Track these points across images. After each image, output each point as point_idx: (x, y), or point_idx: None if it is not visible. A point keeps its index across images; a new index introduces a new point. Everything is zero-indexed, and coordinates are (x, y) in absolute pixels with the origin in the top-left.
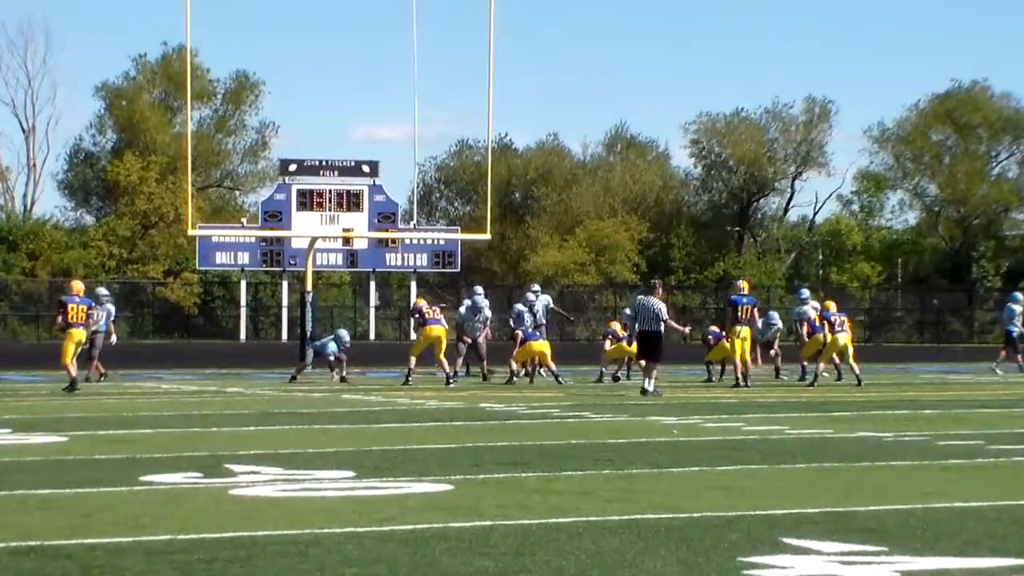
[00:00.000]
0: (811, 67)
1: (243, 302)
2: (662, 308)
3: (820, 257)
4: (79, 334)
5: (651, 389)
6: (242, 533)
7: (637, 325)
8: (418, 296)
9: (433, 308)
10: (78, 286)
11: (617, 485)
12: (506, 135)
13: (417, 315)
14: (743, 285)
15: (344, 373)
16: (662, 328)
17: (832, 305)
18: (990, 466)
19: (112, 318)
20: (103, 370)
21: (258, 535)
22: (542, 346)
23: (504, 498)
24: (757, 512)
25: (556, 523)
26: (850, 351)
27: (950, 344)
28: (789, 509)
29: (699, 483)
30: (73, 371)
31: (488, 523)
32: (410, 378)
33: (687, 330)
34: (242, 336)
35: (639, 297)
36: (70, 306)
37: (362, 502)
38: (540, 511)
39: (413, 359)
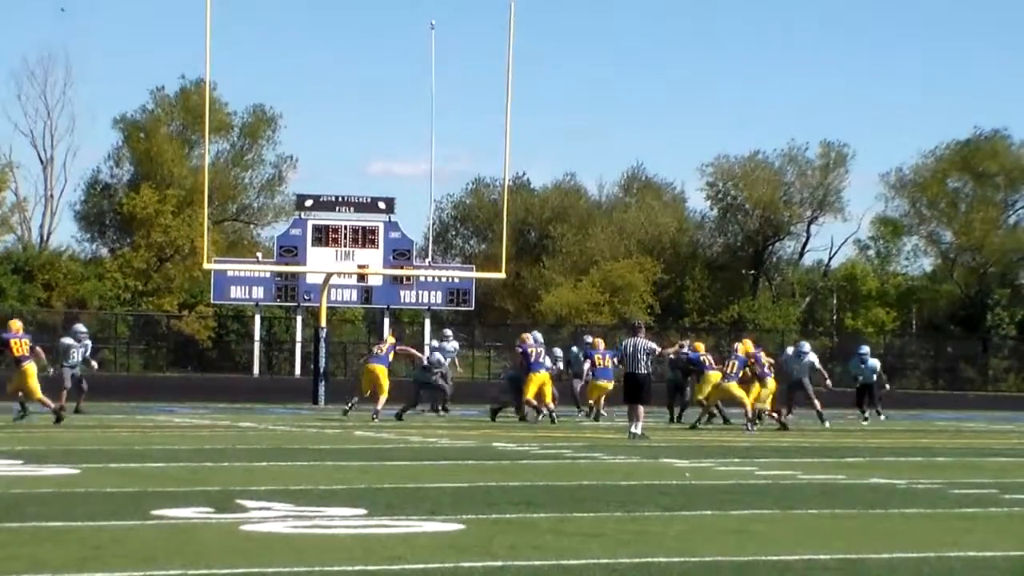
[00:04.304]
0: (829, 111)
1: (257, 336)
2: (653, 346)
3: (835, 302)
4: (31, 366)
5: (639, 432)
6: (253, 569)
7: (623, 367)
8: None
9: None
10: (16, 325)
11: (629, 527)
12: (523, 174)
13: (522, 356)
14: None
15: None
16: (649, 370)
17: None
18: (1003, 515)
19: (87, 353)
20: (62, 403)
21: (268, 571)
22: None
23: (516, 538)
24: (769, 557)
25: (567, 564)
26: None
27: (964, 391)
28: (801, 555)
29: (711, 527)
30: (50, 402)
31: (499, 563)
32: (537, 416)
33: (677, 346)
34: (255, 370)
35: (625, 340)
36: (12, 342)
37: (373, 540)
38: (552, 552)
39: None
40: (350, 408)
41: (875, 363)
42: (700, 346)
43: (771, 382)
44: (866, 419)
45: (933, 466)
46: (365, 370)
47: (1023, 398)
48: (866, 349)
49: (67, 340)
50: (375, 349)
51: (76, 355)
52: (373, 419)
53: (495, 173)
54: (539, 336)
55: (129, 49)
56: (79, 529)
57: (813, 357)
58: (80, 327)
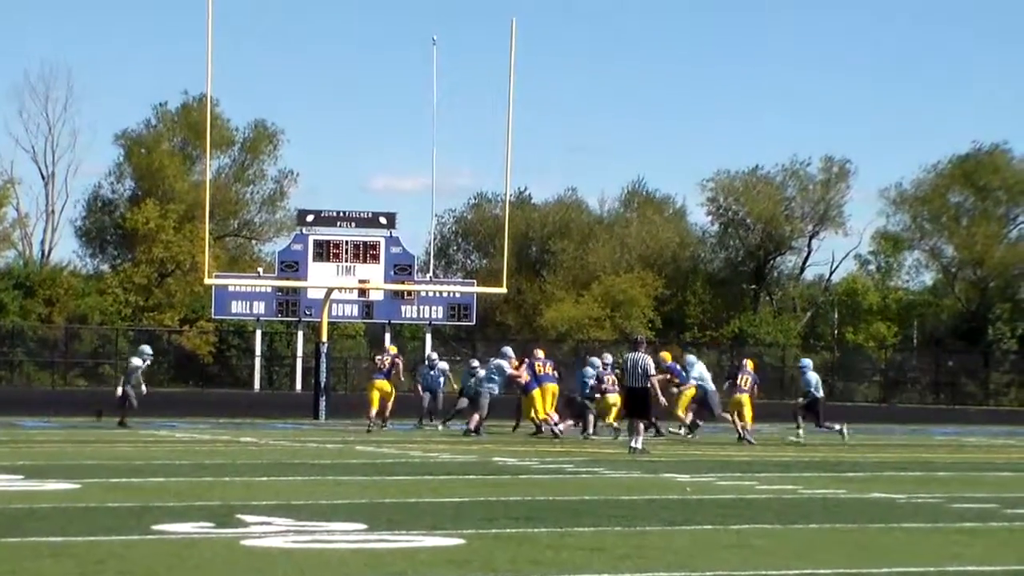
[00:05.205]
0: (830, 126)
1: (258, 351)
2: (650, 363)
3: (836, 317)
4: None
5: (639, 447)
6: None
7: (624, 382)
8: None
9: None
10: None
11: (629, 542)
12: (524, 189)
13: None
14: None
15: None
16: (649, 385)
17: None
18: (1004, 530)
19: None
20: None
21: None
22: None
23: (516, 553)
24: (770, 571)
25: None
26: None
27: (965, 406)
28: (802, 569)
29: (712, 541)
30: None
31: None
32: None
33: (664, 401)
34: (256, 386)
35: (627, 355)
36: None
37: (373, 555)
38: (552, 566)
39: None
40: (371, 427)
41: (812, 377)
42: (668, 355)
43: (614, 397)
44: (842, 433)
45: (934, 480)
46: (369, 385)
47: None
48: (805, 362)
49: (136, 360)
50: (378, 362)
51: (138, 374)
52: (369, 430)
53: (496, 188)
54: (510, 351)
55: (131, 65)
56: (80, 544)
57: (698, 370)
58: (147, 348)
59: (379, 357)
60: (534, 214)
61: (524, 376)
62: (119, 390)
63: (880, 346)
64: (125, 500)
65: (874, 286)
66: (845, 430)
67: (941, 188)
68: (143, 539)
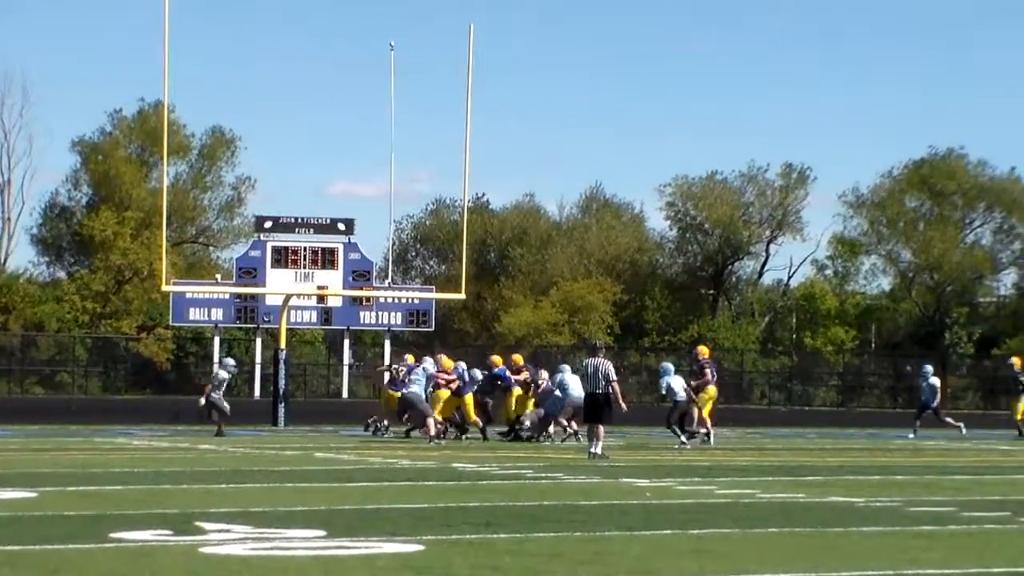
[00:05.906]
0: (788, 131)
1: (216, 358)
2: (610, 369)
3: (794, 321)
4: None
5: (598, 452)
6: None
7: (586, 387)
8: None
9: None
10: None
11: (589, 547)
12: (483, 195)
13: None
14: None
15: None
16: (610, 390)
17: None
18: (962, 533)
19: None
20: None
21: None
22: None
23: (476, 559)
24: None
25: None
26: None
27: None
28: (761, 574)
29: (671, 547)
30: None
31: None
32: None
33: (624, 407)
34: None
35: (588, 360)
36: None
37: (332, 562)
38: (512, 573)
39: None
40: (379, 431)
41: (666, 381)
42: (499, 360)
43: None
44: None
45: (891, 484)
46: (388, 396)
47: (981, 416)
48: (665, 366)
49: (223, 373)
50: (393, 372)
51: (223, 385)
52: (377, 432)
53: (455, 193)
54: (431, 361)
55: (87, 71)
56: (36, 553)
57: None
58: (231, 360)
59: (395, 367)
60: (493, 220)
61: (455, 383)
62: (202, 400)
63: (838, 350)
64: (82, 508)
65: (832, 291)
66: (685, 443)
67: (898, 193)
68: (100, 547)
